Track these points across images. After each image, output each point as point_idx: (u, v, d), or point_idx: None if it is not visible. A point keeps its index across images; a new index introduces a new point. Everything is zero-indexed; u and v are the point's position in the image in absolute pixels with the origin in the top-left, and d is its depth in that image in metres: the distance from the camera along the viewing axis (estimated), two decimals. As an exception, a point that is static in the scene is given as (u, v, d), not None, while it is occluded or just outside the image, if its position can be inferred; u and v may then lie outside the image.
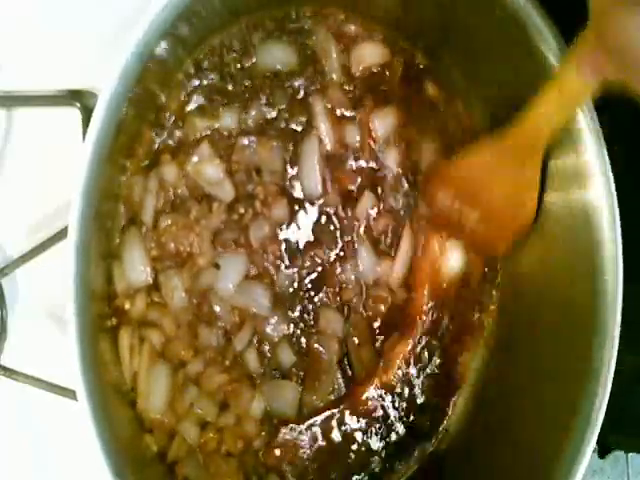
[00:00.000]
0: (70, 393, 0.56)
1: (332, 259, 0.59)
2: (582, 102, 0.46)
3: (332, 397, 0.59)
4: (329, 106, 0.59)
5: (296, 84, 0.58)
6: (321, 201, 0.58)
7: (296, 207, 0.58)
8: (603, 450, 0.74)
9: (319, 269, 0.59)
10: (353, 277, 0.59)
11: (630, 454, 1.34)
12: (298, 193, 0.58)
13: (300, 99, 0.58)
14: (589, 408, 0.46)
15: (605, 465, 1.33)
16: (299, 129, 0.58)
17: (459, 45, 0.57)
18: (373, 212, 0.59)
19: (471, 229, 0.57)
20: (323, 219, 0.59)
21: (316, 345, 0.58)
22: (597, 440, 0.45)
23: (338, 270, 0.59)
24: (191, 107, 0.57)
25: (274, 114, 0.58)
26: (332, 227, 0.59)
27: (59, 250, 0.57)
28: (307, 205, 0.58)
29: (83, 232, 0.45)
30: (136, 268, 0.55)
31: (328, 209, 0.59)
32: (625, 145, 0.52)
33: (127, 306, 0.55)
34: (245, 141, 0.57)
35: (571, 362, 0.49)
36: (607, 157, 0.47)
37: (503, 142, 0.51)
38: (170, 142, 0.57)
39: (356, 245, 0.59)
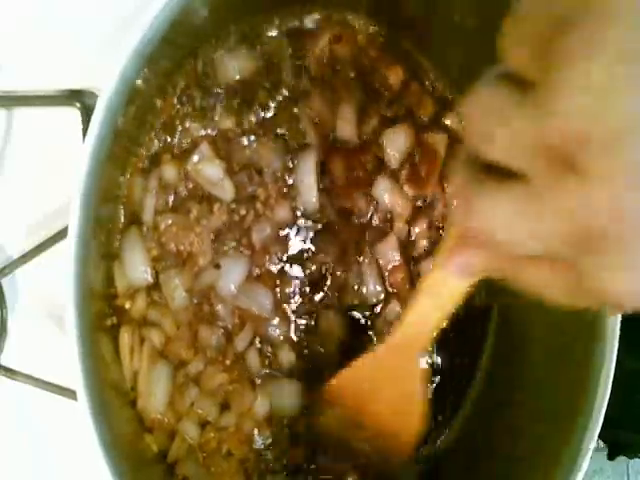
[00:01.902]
0: (70, 393, 0.56)
1: (335, 260, 0.59)
2: (459, 299, 0.41)
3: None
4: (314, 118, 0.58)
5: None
6: (319, 215, 0.58)
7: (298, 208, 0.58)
8: (612, 451, 0.74)
9: (321, 270, 0.58)
10: (354, 278, 0.59)
11: (630, 454, 1.34)
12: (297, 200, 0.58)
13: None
14: (589, 408, 0.46)
15: (605, 465, 1.33)
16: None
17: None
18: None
19: (364, 449, 0.54)
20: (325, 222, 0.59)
21: (316, 346, 0.58)
22: (606, 440, 0.45)
23: (339, 272, 0.59)
24: (191, 108, 0.57)
25: (270, 115, 0.58)
26: (334, 229, 0.59)
27: (59, 250, 0.57)
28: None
29: (83, 232, 0.44)
30: (136, 268, 0.55)
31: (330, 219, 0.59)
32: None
33: (127, 306, 0.55)
34: (245, 141, 0.57)
35: (571, 362, 0.49)
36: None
37: (378, 350, 0.49)
38: (170, 142, 0.57)
39: (357, 248, 0.59)
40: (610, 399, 0.45)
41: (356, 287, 0.59)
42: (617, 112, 0.21)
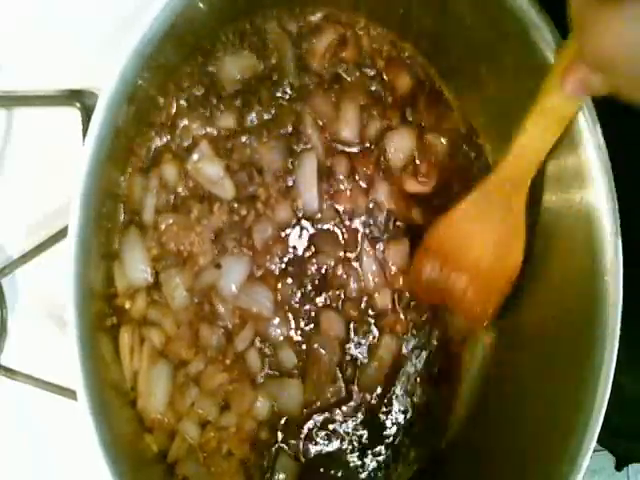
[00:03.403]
0: (70, 393, 0.56)
1: (335, 261, 0.59)
2: (567, 122, 0.44)
3: (333, 399, 0.59)
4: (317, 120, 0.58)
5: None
6: (320, 216, 0.59)
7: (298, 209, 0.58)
8: (620, 461, 0.73)
9: (322, 271, 0.58)
10: (355, 279, 0.59)
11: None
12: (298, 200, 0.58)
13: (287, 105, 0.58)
14: (590, 408, 0.46)
15: (605, 465, 1.33)
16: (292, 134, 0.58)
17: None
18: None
19: (460, 294, 0.55)
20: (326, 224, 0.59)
21: (317, 346, 0.58)
22: (613, 452, 0.45)
23: (340, 272, 0.59)
24: (191, 107, 0.57)
25: (272, 114, 0.58)
26: (335, 230, 0.59)
27: (59, 250, 0.57)
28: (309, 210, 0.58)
29: (83, 232, 0.45)
30: (136, 267, 0.55)
31: (330, 221, 0.59)
32: (625, 145, 0.52)
33: (127, 305, 0.55)
34: (246, 140, 0.57)
35: (572, 362, 0.49)
36: (607, 157, 0.47)
37: (488, 183, 0.50)
38: (170, 141, 0.57)
39: (359, 248, 0.59)
40: (616, 409, 0.45)
41: (357, 287, 0.59)
42: None
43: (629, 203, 0.47)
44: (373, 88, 0.59)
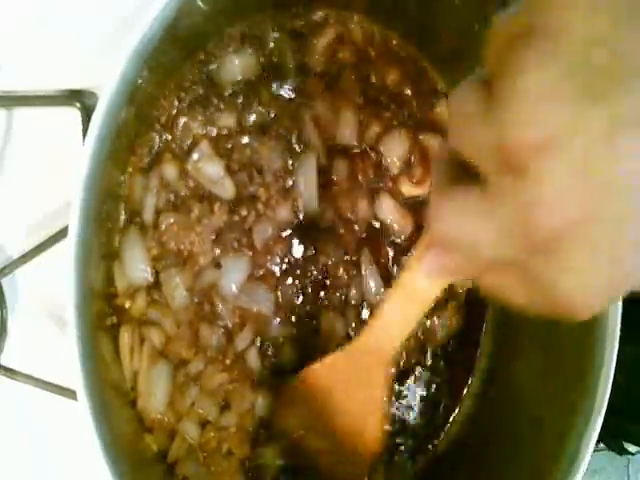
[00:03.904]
0: (70, 393, 0.56)
1: (336, 261, 0.59)
2: (431, 302, 0.40)
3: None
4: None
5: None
6: (320, 217, 0.58)
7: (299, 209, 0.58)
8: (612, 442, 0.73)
9: (323, 271, 0.58)
10: (356, 280, 0.59)
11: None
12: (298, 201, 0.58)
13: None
14: (589, 408, 0.46)
15: (605, 465, 1.33)
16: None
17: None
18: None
19: (322, 462, 0.53)
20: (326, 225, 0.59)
21: (317, 346, 0.58)
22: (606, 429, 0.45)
23: (340, 272, 0.59)
24: (192, 106, 0.57)
25: (272, 115, 0.58)
26: (335, 231, 0.59)
27: (59, 250, 0.57)
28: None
29: (83, 232, 0.45)
30: (136, 267, 0.55)
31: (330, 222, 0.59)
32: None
33: (127, 305, 0.55)
34: (246, 140, 0.57)
35: (571, 361, 0.49)
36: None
37: (351, 350, 0.48)
38: (170, 141, 0.57)
39: (358, 250, 0.59)
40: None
41: (357, 287, 0.59)
42: (553, 120, 0.23)
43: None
44: (369, 89, 0.59)
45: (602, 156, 0.23)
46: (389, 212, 0.59)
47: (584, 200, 0.24)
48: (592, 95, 0.23)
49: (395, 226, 0.59)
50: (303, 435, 0.53)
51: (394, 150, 0.59)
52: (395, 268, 0.59)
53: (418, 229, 0.59)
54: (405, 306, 0.41)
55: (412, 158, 0.59)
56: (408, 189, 0.59)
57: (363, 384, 0.49)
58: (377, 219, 0.59)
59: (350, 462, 0.52)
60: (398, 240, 0.59)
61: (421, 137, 0.60)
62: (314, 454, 0.53)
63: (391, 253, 0.59)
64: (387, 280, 0.59)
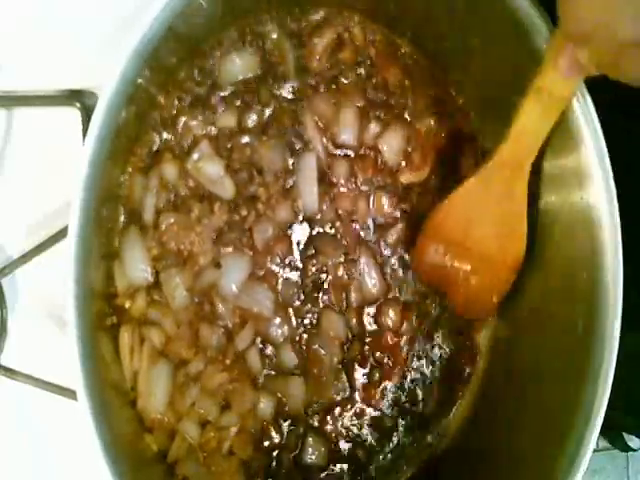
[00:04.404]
0: (70, 393, 0.56)
1: (336, 261, 0.59)
2: (564, 104, 0.45)
3: (338, 397, 0.59)
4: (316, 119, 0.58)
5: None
6: (320, 217, 0.59)
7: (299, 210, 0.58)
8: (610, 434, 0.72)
9: (323, 271, 0.59)
10: (355, 280, 0.59)
11: (630, 454, 1.34)
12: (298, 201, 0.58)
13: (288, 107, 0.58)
14: (589, 408, 0.46)
15: (605, 465, 1.33)
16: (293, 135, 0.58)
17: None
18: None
19: (465, 281, 0.54)
20: (326, 225, 0.59)
21: (317, 347, 0.58)
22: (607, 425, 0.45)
23: (341, 273, 0.59)
24: (192, 106, 0.57)
25: (272, 115, 0.58)
26: (335, 232, 0.59)
27: (59, 250, 0.57)
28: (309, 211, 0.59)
29: (83, 232, 0.45)
30: (137, 267, 0.55)
31: (330, 222, 0.59)
32: (625, 145, 0.52)
33: (127, 305, 0.55)
34: (245, 139, 0.57)
35: (571, 361, 0.49)
36: (607, 157, 0.47)
37: (486, 169, 0.50)
38: (170, 141, 0.57)
39: (357, 250, 0.59)
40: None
41: (357, 287, 0.59)
42: None
43: (629, 203, 0.47)
44: (369, 89, 0.59)
45: None
46: (388, 210, 0.59)
47: None
48: None
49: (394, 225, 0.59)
50: (446, 264, 0.54)
51: (392, 146, 0.59)
52: (395, 268, 0.60)
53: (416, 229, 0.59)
54: (539, 112, 0.45)
55: (409, 148, 0.60)
56: (407, 177, 0.59)
57: (502, 201, 0.50)
58: (377, 218, 0.59)
59: (491, 281, 0.53)
60: (397, 239, 0.60)
61: (418, 126, 0.60)
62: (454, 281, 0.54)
63: (390, 253, 0.60)
64: (386, 280, 0.59)
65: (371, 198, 0.59)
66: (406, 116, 0.60)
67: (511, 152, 0.48)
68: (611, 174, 0.47)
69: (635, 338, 0.50)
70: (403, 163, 0.59)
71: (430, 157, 0.60)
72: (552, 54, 0.43)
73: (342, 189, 0.59)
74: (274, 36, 0.58)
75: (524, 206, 0.50)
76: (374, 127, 0.59)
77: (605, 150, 0.47)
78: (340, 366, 0.59)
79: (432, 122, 0.60)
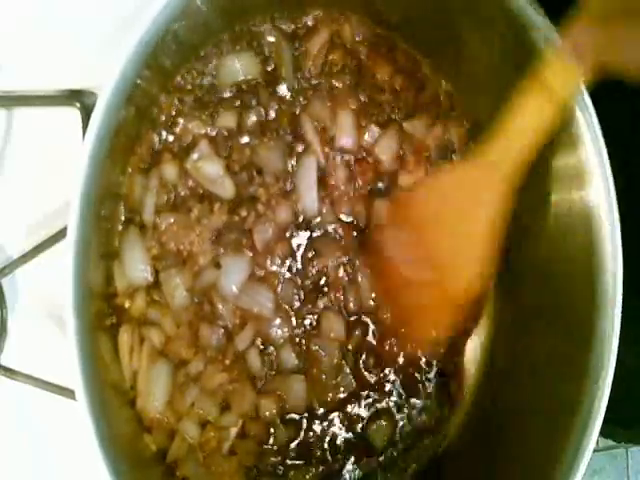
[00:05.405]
0: (70, 393, 0.56)
1: (336, 263, 0.59)
2: (560, 104, 0.41)
3: (341, 395, 0.59)
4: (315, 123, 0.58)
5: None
6: (319, 219, 0.59)
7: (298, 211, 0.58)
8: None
9: (322, 273, 0.59)
10: (355, 282, 0.59)
11: (630, 454, 1.34)
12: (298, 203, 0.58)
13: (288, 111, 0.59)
14: (589, 408, 0.46)
15: (605, 465, 1.33)
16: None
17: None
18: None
19: (407, 293, 0.49)
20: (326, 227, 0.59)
21: (316, 347, 0.58)
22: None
23: (341, 274, 0.59)
24: (191, 107, 0.57)
25: (272, 116, 0.58)
26: (334, 233, 0.59)
27: (59, 250, 0.57)
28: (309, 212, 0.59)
29: (83, 232, 0.45)
30: (136, 267, 0.55)
31: (330, 224, 0.59)
32: (619, 145, 0.52)
33: (127, 305, 0.55)
34: (245, 140, 0.57)
35: (571, 362, 0.49)
36: (607, 157, 0.47)
37: (463, 169, 0.45)
38: (170, 141, 0.57)
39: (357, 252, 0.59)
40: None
41: (355, 288, 0.59)
42: None
43: (629, 203, 0.47)
44: (366, 89, 0.59)
45: None
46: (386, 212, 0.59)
47: None
48: None
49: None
50: (394, 258, 0.48)
51: (388, 150, 0.59)
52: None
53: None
54: (535, 107, 0.41)
55: (403, 152, 0.59)
56: (404, 179, 0.59)
57: (466, 213, 0.43)
58: (375, 220, 0.59)
59: (434, 306, 0.46)
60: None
61: (407, 126, 0.59)
62: (400, 287, 0.48)
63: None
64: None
65: (370, 200, 0.59)
66: (400, 118, 0.60)
67: (494, 152, 0.43)
68: (611, 174, 0.47)
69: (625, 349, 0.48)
70: (400, 166, 0.59)
71: (425, 159, 0.59)
72: (562, 39, 0.40)
73: (341, 192, 0.59)
74: (273, 37, 0.58)
75: (486, 227, 0.42)
76: (371, 129, 0.59)
77: (605, 150, 0.47)
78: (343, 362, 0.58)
79: (427, 123, 0.60)
